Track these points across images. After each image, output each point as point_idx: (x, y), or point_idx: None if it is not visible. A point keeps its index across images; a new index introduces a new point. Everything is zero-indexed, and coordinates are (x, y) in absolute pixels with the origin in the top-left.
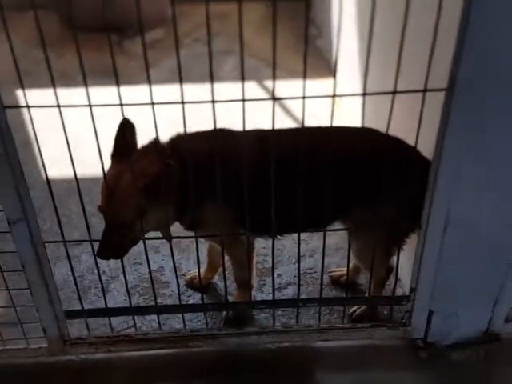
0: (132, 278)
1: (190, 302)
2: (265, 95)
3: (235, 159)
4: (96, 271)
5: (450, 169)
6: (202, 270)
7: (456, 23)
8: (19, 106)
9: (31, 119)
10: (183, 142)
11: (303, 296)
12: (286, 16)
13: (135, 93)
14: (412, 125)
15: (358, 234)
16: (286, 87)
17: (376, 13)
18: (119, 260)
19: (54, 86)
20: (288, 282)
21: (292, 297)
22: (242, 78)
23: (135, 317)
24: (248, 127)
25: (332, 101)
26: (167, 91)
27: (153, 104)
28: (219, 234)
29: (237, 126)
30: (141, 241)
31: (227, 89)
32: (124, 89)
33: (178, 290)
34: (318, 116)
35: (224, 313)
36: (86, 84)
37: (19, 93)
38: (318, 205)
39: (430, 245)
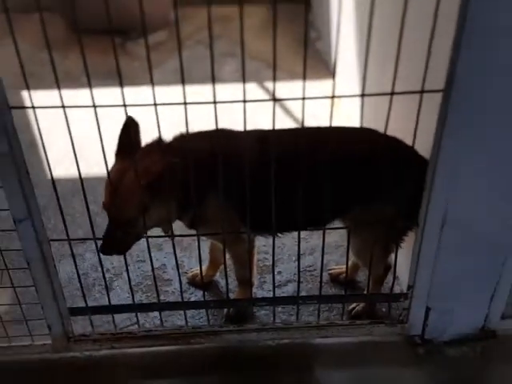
0: (135, 276)
1: (192, 299)
2: (265, 96)
3: (236, 159)
4: (100, 269)
5: (447, 168)
6: (204, 268)
7: (453, 26)
8: (25, 107)
9: (36, 120)
10: (186, 141)
11: (303, 293)
12: (286, 19)
13: (138, 94)
14: (410, 125)
15: (356, 232)
16: (286, 88)
17: (374, 16)
18: (123, 258)
19: (58, 87)
20: (288, 280)
21: (292, 294)
22: (243, 80)
23: (138, 314)
24: (249, 127)
25: (331, 102)
26: (170, 92)
27: (155, 105)
28: (221, 232)
29: (238, 127)
30: (144, 239)
31: (228, 90)
32: (127, 90)
33: (181, 287)
34: (317, 116)
35: (225, 310)
36: (90, 85)
37: (25, 94)
38: (317, 204)
39: (428, 243)
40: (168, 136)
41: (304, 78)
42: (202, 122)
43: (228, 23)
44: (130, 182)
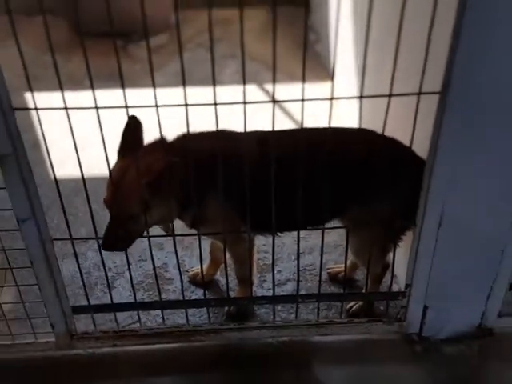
0: (137, 275)
1: (193, 297)
2: (265, 98)
3: (237, 159)
4: (102, 268)
5: (443, 169)
6: (205, 267)
7: (450, 29)
8: (28, 108)
9: (39, 121)
10: (188, 141)
11: (302, 292)
12: (285, 22)
13: (140, 95)
14: (408, 126)
15: (355, 232)
16: (286, 90)
17: (372, 19)
18: (125, 257)
19: (61, 89)
20: (288, 279)
21: (291, 292)
22: (244, 82)
23: (140, 312)
24: (249, 129)
25: (330, 103)
26: (171, 94)
27: (157, 106)
28: (221, 231)
29: (238, 128)
30: (145, 238)
31: (229, 92)
32: (129, 92)
33: (182, 286)
34: (316, 118)
35: (226, 308)
36: (92, 87)
37: (28, 95)
38: (316, 204)
39: (425, 242)
40: (170, 136)
41: (303, 79)
42: (202, 123)
43: (228, 26)
44: (132, 180)
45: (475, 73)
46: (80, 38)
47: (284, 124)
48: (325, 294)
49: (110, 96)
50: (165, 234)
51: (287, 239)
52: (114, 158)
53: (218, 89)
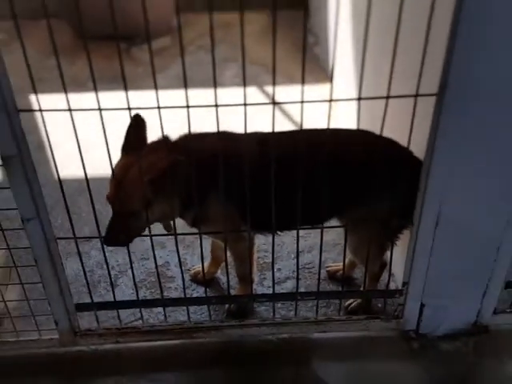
0: (139, 273)
1: (195, 295)
2: (265, 100)
3: (238, 160)
4: (105, 266)
5: (440, 169)
6: (206, 265)
7: (446, 33)
8: (33, 110)
9: (44, 122)
10: (191, 140)
11: (302, 289)
12: (285, 25)
13: (142, 97)
14: (405, 127)
15: (353, 231)
16: (285, 92)
17: (370, 22)
18: (127, 255)
19: (65, 91)
20: (287, 277)
21: (291, 290)
22: (244, 84)
23: (142, 309)
24: (249, 130)
25: (329, 105)
26: (173, 96)
27: (159, 108)
28: (222, 231)
29: (238, 129)
30: (148, 237)
31: (229, 94)
32: (132, 94)
33: (183, 284)
34: (315, 119)
35: (226, 305)
36: (95, 89)
37: (33, 98)
38: (315, 203)
39: (422, 241)
40: (172, 137)
41: (302, 82)
42: (203, 124)
43: (229, 29)
44: (135, 177)
45: (471, 75)
46: (84, 42)
47: (284, 125)
48: (324, 292)
49: (113, 98)
50: (166, 232)
51: (287, 238)
52: (116, 159)
53: (219, 91)
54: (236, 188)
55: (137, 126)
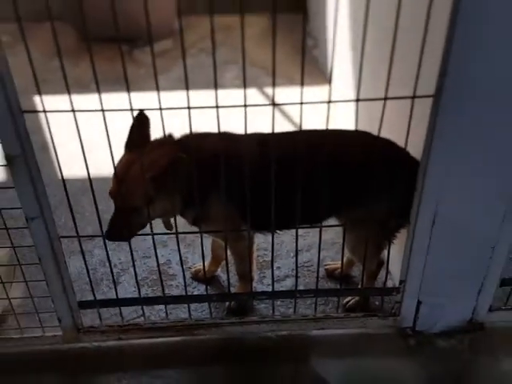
0: (141, 271)
1: (195, 293)
2: (265, 101)
3: (238, 160)
4: (108, 264)
5: (437, 169)
6: (207, 264)
7: (443, 37)
8: (37, 111)
9: (48, 123)
10: (194, 140)
11: (300, 287)
12: (284, 29)
13: (144, 99)
14: (402, 128)
15: (351, 230)
16: (285, 94)
17: (368, 25)
18: (129, 254)
19: (69, 92)
20: (286, 275)
21: (290, 288)
22: (244, 85)
23: (144, 307)
24: (249, 131)
25: (327, 106)
26: (174, 97)
27: (161, 109)
28: (223, 230)
29: (239, 130)
30: (150, 236)
31: (230, 95)
32: (134, 95)
33: (184, 281)
34: (314, 120)
35: (227, 303)
36: (98, 90)
37: (37, 99)
38: (314, 203)
39: (419, 240)
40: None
41: (302, 83)
42: (204, 125)
43: (230, 32)
44: (137, 174)
45: (467, 77)
46: (87, 44)
47: (283, 126)
48: (322, 290)
49: (115, 99)
50: (168, 231)
51: (286, 237)
52: (118, 159)
53: (220, 92)
54: (236, 188)
55: (141, 123)
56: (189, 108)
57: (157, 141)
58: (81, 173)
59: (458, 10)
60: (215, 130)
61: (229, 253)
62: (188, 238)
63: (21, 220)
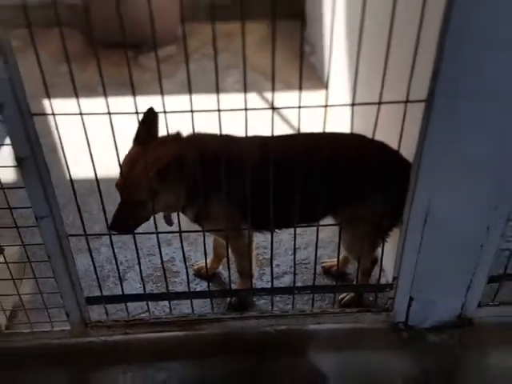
0: (146, 268)
1: (198, 289)
2: (264, 105)
3: (239, 161)
4: (114, 262)
5: (428, 171)
6: (209, 261)
7: (435, 43)
8: (46, 114)
9: (56, 126)
10: (199, 139)
11: (298, 284)
12: (283, 35)
13: (149, 102)
14: (396, 131)
15: (347, 229)
16: (284, 98)
17: (364, 32)
18: (135, 252)
19: (77, 95)
20: (285, 272)
21: (288, 285)
22: (245, 90)
23: (149, 302)
24: (250, 133)
25: (324, 110)
26: (178, 101)
27: (165, 112)
28: (224, 228)
29: (239, 132)
30: (154, 235)
31: (231, 99)
32: (139, 98)
33: (187, 278)
34: (312, 124)
35: (228, 299)
36: (105, 94)
37: (46, 102)
38: (312, 203)
39: (411, 239)
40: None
41: (300, 88)
42: (207, 127)
43: (231, 39)
44: (143, 168)
45: (458, 82)
46: (94, 49)
47: (282, 129)
48: (319, 286)
49: (121, 102)
50: (172, 230)
51: (284, 235)
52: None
53: (221, 96)
54: (237, 188)
55: (149, 119)
56: (192, 111)
57: (164, 137)
58: (88, 173)
59: (448, 21)
60: (217, 133)
61: (230, 251)
62: (191, 236)
63: (31, 219)
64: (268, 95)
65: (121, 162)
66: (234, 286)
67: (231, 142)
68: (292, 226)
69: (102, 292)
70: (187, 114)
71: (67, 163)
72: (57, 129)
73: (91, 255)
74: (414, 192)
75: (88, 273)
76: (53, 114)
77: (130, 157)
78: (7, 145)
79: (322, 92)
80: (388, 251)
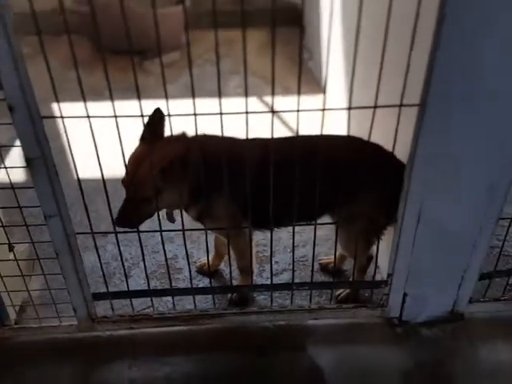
0: (150, 265)
1: (200, 285)
2: (264, 109)
3: (241, 162)
4: (119, 259)
5: (421, 172)
6: (211, 258)
7: (427, 51)
8: (55, 117)
9: (65, 128)
10: (202, 140)
11: (297, 280)
12: (282, 42)
13: (154, 106)
14: (390, 133)
15: (343, 227)
16: (283, 102)
17: (360, 39)
18: (140, 249)
19: (84, 99)
20: (284, 269)
21: (287, 281)
22: (246, 94)
23: (153, 298)
24: (250, 136)
25: (322, 113)
26: (182, 104)
27: (169, 116)
28: (225, 227)
29: (241, 135)
30: (158, 233)
31: (233, 103)
32: (144, 102)
33: (190, 275)
34: (310, 126)
35: (229, 295)
36: (112, 98)
37: (55, 106)
38: (310, 202)
39: (405, 237)
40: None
41: (298, 92)
42: (209, 130)
43: (232, 45)
44: (148, 166)
45: (451, 87)
46: (101, 55)
47: (281, 132)
48: (316, 283)
49: (127, 106)
50: (176, 229)
51: (283, 234)
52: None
53: (223, 100)
54: (239, 188)
55: (156, 119)
56: (195, 114)
57: (169, 137)
58: (95, 174)
59: (441, 27)
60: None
61: (231, 249)
62: (194, 234)
63: (39, 218)
64: (268, 99)
65: (127, 161)
66: (234, 283)
67: (233, 143)
68: (291, 224)
69: (107, 288)
70: (190, 116)
71: (75, 164)
72: (65, 131)
73: (98, 253)
74: (407, 192)
75: (95, 269)
76: (61, 117)
77: (136, 155)
78: (17, 146)
79: (320, 96)
80: (383, 249)
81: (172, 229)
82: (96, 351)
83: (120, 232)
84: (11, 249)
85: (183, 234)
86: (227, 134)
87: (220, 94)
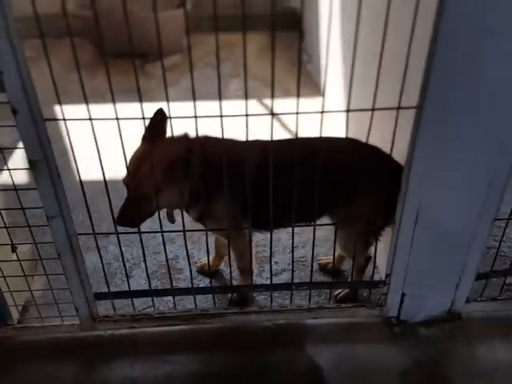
0: (151, 265)
1: (201, 285)
2: (264, 111)
3: (241, 164)
4: (121, 259)
5: (419, 174)
6: (211, 259)
7: (425, 55)
8: (57, 119)
9: (67, 130)
10: (203, 141)
11: (296, 280)
12: (282, 45)
13: (155, 108)
14: (388, 136)
15: (342, 228)
16: (282, 104)
17: (358, 43)
18: (141, 249)
19: (86, 102)
20: (283, 269)
21: (287, 281)
22: (246, 97)
23: (154, 298)
24: (250, 138)
25: (321, 116)
26: (183, 107)
27: (170, 118)
28: (226, 228)
29: (241, 137)
30: (159, 233)
31: (233, 105)
32: (146, 105)
33: (191, 275)
34: (309, 129)
35: (229, 295)
36: (113, 101)
37: (57, 108)
38: (309, 203)
39: (403, 238)
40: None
41: (297, 95)
42: (210, 133)
43: (233, 48)
44: (149, 166)
45: (449, 90)
46: (103, 58)
47: (281, 134)
48: (316, 283)
49: (129, 109)
50: (176, 230)
51: (283, 234)
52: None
53: (224, 103)
54: (239, 189)
55: (158, 119)
56: (196, 117)
57: (171, 137)
58: (97, 175)
59: (438, 30)
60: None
61: (231, 249)
62: (194, 235)
63: (42, 219)
64: (268, 102)
65: (128, 161)
66: (234, 283)
67: (233, 145)
68: (290, 225)
69: (109, 288)
70: (191, 119)
71: (77, 166)
72: (68, 133)
73: (99, 253)
74: (405, 194)
75: (96, 270)
76: (64, 120)
77: (138, 154)
78: (20, 148)
79: (319, 99)
80: (381, 249)
81: (173, 230)
82: (98, 350)
83: (121, 233)
84: (14, 249)
85: (184, 235)
86: (228, 136)
87: (220, 97)
